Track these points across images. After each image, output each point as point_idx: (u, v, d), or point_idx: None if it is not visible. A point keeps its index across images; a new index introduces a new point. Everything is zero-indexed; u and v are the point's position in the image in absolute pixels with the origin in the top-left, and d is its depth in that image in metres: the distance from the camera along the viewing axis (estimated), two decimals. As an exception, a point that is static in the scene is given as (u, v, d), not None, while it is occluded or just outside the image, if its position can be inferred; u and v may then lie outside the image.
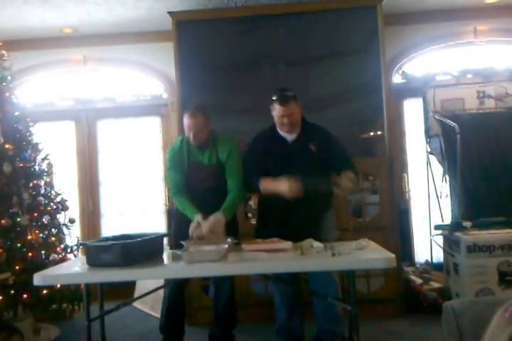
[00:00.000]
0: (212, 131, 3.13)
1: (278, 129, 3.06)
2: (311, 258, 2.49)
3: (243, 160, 3.12)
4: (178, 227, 3.11)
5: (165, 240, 3.10)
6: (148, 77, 4.92)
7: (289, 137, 3.05)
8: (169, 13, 4.15)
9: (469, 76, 4.60)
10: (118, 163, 4.99)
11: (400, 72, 4.69)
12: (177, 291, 3.19)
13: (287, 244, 2.67)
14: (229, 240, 2.73)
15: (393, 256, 2.39)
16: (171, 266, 2.53)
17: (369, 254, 2.54)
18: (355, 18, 4.11)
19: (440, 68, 4.67)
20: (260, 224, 3.17)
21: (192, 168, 3.09)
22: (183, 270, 2.47)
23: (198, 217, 2.90)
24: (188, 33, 4.18)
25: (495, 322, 0.81)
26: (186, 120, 3.02)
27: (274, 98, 2.98)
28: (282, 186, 2.83)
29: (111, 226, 4.90)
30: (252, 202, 4.18)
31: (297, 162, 2.98)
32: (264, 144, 3.07)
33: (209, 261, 2.45)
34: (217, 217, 2.89)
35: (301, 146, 3.02)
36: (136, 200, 4.91)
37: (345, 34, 4.15)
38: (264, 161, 3.02)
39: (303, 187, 2.81)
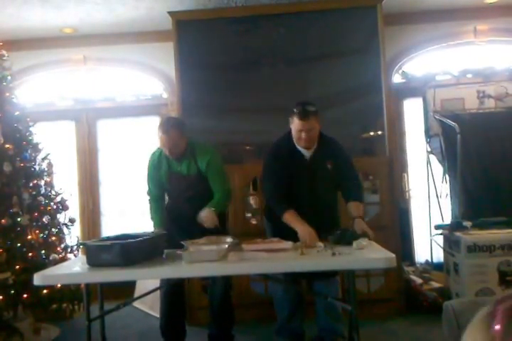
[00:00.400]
0: (190, 142, 3.11)
1: (295, 143, 2.99)
2: (311, 258, 2.49)
3: (263, 173, 3.08)
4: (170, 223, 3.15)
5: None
6: (148, 77, 4.92)
7: (306, 153, 3.01)
8: (169, 13, 4.15)
9: (469, 76, 4.60)
10: (118, 163, 4.99)
11: (400, 71, 4.69)
12: (173, 291, 3.19)
13: (287, 244, 2.67)
14: (229, 240, 2.74)
15: (393, 255, 2.39)
16: (171, 265, 2.53)
17: (369, 254, 2.54)
18: (355, 17, 4.11)
19: (440, 68, 4.67)
20: (273, 225, 3.14)
21: (172, 178, 3.13)
22: (183, 270, 2.47)
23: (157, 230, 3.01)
24: (188, 33, 4.18)
25: (480, 336, 0.69)
26: (161, 137, 3.01)
27: (294, 111, 2.89)
28: (302, 233, 2.75)
29: (111, 226, 4.90)
30: (253, 202, 4.19)
31: (314, 180, 2.98)
32: (284, 158, 2.99)
33: (209, 260, 2.45)
34: (206, 210, 2.96)
35: (318, 164, 3.00)
36: (136, 200, 4.91)
37: (345, 34, 4.15)
38: (285, 175, 2.97)
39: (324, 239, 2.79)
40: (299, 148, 2.99)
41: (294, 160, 2.98)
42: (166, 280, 3.03)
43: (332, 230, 2.85)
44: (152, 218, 3.18)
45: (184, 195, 3.12)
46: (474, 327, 0.71)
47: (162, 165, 3.13)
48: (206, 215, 2.96)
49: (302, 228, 2.76)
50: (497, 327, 0.67)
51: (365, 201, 3.23)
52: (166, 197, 3.32)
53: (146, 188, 3.23)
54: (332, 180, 3.02)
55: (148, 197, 3.23)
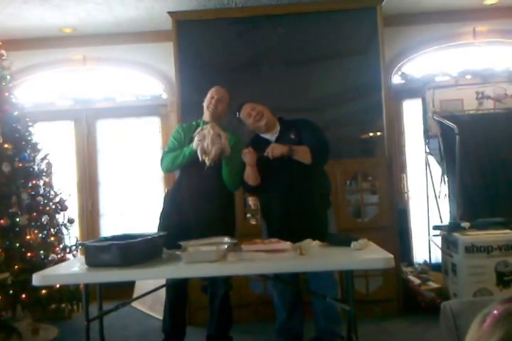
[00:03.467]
0: (224, 122, 3.19)
1: (259, 134, 3.11)
2: (310, 258, 2.50)
3: None
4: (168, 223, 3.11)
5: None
6: (148, 77, 4.91)
7: (271, 137, 3.09)
8: (169, 13, 4.15)
9: (468, 77, 4.60)
10: (117, 163, 4.99)
11: (400, 72, 4.69)
12: (178, 292, 3.19)
13: (286, 245, 2.67)
14: (227, 240, 2.74)
15: (392, 256, 2.40)
16: (170, 266, 2.53)
17: (368, 254, 2.54)
18: (355, 19, 4.12)
19: (439, 69, 4.68)
20: (267, 225, 3.16)
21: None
22: (182, 270, 2.48)
23: (195, 143, 2.94)
24: (188, 33, 4.18)
25: (474, 334, 0.81)
26: (212, 89, 3.14)
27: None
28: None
29: (110, 227, 4.90)
30: (252, 203, 4.19)
31: (286, 161, 2.94)
32: (254, 149, 3.01)
33: (208, 261, 2.45)
34: (221, 134, 2.95)
35: (282, 140, 3.03)
36: (136, 200, 4.91)
37: (345, 35, 4.16)
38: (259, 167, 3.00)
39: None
40: (263, 135, 3.09)
41: (261, 145, 3.01)
42: (173, 281, 3.02)
43: (317, 216, 2.94)
44: (179, 155, 3.05)
45: (202, 171, 2.98)
46: (473, 324, 0.81)
47: (190, 132, 3.09)
48: (215, 138, 2.91)
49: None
50: (485, 325, 0.78)
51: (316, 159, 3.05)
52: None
53: (164, 152, 3.14)
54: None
55: (165, 153, 3.13)
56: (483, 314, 0.82)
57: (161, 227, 3.10)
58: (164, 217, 3.16)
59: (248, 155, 2.93)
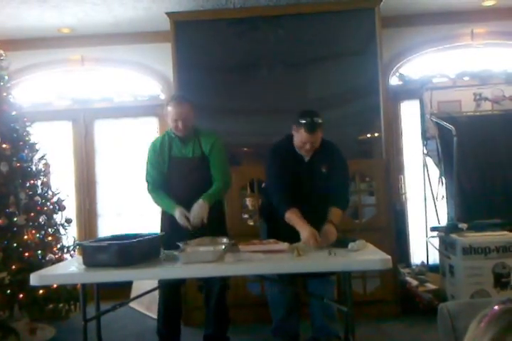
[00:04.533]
0: (195, 125, 3.14)
1: (296, 148, 3.02)
2: (308, 259, 2.50)
3: (267, 172, 3.08)
4: (169, 226, 3.10)
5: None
6: (146, 78, 4.92)
7: (305, 156, 3.04)
8: (167, 13, 4.15)
9: (466, 78, 4.61)
10: (115, 163, 4.99)
11: (397, 74, 4.70)
12: (172, 292, 3.18)
13: (284, 245, 2.68)
14: (225, 241, 2.74)
15: (389, 257, 2.40)
16: (168, 266, 2.54)
17: (365, 255, 2.55)
18: (353, 20, 4.13)
19: (437, 70, 4.69)
20: (270, 226, 3.15)
21: (174, 163, 3.09)
22: (179, 271, 2.48)
23: (178, 210, 2.93)
24: (186, 34, 4.18)
25: (471, 334, 0.84)
26: (173, 109, 3.02)
27: (301, 121, 2.88)
28: (305, 234, 2.71)
29: (108, 227, 4.90)
30: (249, 204, 4.19)
31: (311, 182, 2.99)
32: (285, 159, 3.00)
33: (206, 261, 2.45)
34: (199, 203, 2.92)
35: (315, 167, 3.01)
36: (133, 200, 4.91)
37: (344, 36, 4.17)
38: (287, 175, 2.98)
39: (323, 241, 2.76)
40: (299, 151, 3.03)
41: (293, 162, 3.01)
42: (166, 281, 3.02)
43: None
44: (162, 203, 3.07)
45: (186, 179, 3.04)
46: (471, 324, 0.85)
47: (164, 150, 3.09)
48: (196, 210, 2.91)
49: (305, 228, 2.72)
50: (482, 324, 0.81)
51: (346, 211, 3.19)
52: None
53: (146, 176, 3.14)
54: (325, 182, 3.01)
55: (148, 187, 3.13)
56: (481, 315, 0.84)
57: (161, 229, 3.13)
58: (162, 221, 3.19)
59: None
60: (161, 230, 3.09)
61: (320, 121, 2.90)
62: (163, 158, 3.09)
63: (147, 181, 3.14)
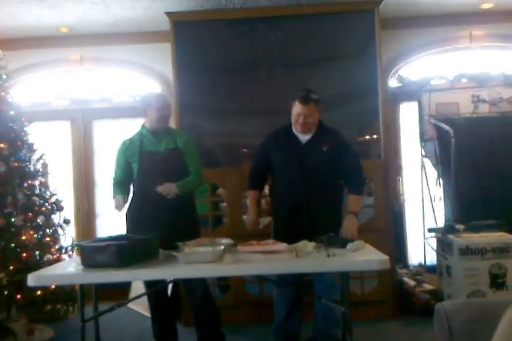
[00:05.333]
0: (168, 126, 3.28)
1: (293, 128, 3.09)
2: (306, 259, 2.51)
3: (253, 155, 3.29)
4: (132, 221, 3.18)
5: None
6: (145, 78, 4.91)
7: (303, 138, 3.09)
8: (167, 13, 4.15)
9: (464, 80, 4.63)
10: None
11: (396, 76, 4.71)
12: (158, 295, 3.20)
13: (282, 246, 2.68)
14: (225, 241, 2.75)
15: (387, 257, 2.41)
16: (167, 266, 2.54)
17: (363, 256, 2.55)
18: (353, 21, 4.13)
19: (435, 72, 4.70)
20: (276, 225, 3.20)
21: (144, 157, 3.13)
22: (178, 271, 2.48)
23: (118, 198, 3.10)
24: (186, 34, 4.18)
25: (503, 333, 0.86)
26: (152, 106, 3.12)
27: (297, 94, 3.02)
28: (248, 220, 3.20)
29: (106, 227, 4.88)
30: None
31: (308, 162, 3.03)
32: (277, 141, 3.12)
33: (205, 262, 2.45)
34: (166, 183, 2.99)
35: (313, 147, 3.06)
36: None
37: (343, 37, 4.17)
38: (274, 158, 3.10)
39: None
40: (296, 133, 3.08)
41: (287, 141, 3.08)
42: (147, 284, 3.07)
43: (328, 221, 2.99)
44: (113, 190, 3.20)
45: (155, 171, 3.07)
46: (503, 319, 0.92)
47: (134, 145, 3.16)
48: (165, 186, 2.97)
49: (251, 215, 3.19)
50: None
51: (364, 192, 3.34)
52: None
53: (112, 174, 3.25)
54: (327, 161, 3.05)
55: (112, 184, 3.23)
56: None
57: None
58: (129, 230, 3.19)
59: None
60: (126, 227, 3.17)
61: (315, 96, 3.02)
62: (132, 152, 3.16)
63: (112, 179, 3.25)
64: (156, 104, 3.11)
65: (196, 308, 3.20)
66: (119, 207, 3.11)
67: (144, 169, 3.13)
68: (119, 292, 3.90)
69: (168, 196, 2.95)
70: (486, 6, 4.44)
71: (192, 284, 3.15)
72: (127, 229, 3.19)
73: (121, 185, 3.19)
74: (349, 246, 2.63)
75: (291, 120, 3.06)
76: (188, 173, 3.12)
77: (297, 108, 3.00)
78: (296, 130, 3.07)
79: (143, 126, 3.22)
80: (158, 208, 3.03)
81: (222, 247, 2.61)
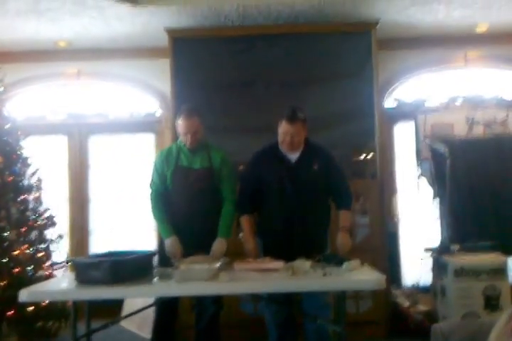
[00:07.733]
0: (205, 138, 3.19)
1: (280, 147, 3.07)
2: (302, 278, 2.49)
3: (240, 176, 3.20)
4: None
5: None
6: (143, 94, 4.92)
7: (292, 156, 3.06)
8: (166, 29, 4.18)
9: (459, 102, 4.68)
10: (109, 179, 4.94)
11: (392, 96, 4.76)
12: (168, 312, 3.14)
13: (278, 264, 2.66)
14: (220, 259, 2.73)
15: (383, 277, 2.40)
16: (161, 284, 2.51)
17: (359, 275, 2.55)
18: (350, 41, 4.19)
19: (430, 93, 4.76)
20: (266, 244, 3.15)
21: (178, 172, 3.08)
22: (172, 288, 2.45)
23: (172, 238, 2.98)
24: (184, 51, 4.21)
25: (499, 332, 0.90)
26: (182, 122, 3.05)
27: (284, 114, 3.00)
28: (247, 246, 3.03)
29: (100, 243, 4.83)
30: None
31: (299, 181, 3.00)
32: (266, 160, 3.08)
33: (200, 279, 2.43)
34: (217, 245, 2.99)
35: (303, 166, 3.04)
36: (126, 217, 4.86)
37: (340, 57, 4.22)
38: (264, 177, 3.05)
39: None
40: (284, 152, 3.06)
41: (276, 162, 3.04)
42: (162, 301, 2.99)
43: (318, 239, 2.99)
44: (158, 222, 3.10)
45: (188, 189, 3.04)
46: (500, 319, 0.96)
47: (170, 159, 3.10)
48: (217, 249, 2.97)
49: (250, 241, 3.03)
50: (510, 324, 0.94)
51: (352, 208, 3.29)
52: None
53: (151, 183, 3.15)
54: (320, 182, 3.04)
55: (151, 194, 3.14)
56: (505, 317, 0.98)
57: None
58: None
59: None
60: (159, 245, 3.08)
61: (301, 115, 3.00)
62: (168, 165, 3.10)
63: (151, 188, 3.16)
64: (181, 126, 3.06)
65: (200, 329, 3.14)
66: (173, 253, 2.98)
67: (177, 186, 3.09)
68: (111, 309, 3.84)
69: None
70: (481, 29, 4.52)
71: (205, 302, 3.10)
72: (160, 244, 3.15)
73: (160, 198, 3.10)
74: (345, 265, 2.62)
75: (278, 139, 3.03)
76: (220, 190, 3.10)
77: (284, 127, 2.97)
78: (283, 149, 3.05)
79: (179, 141, 3.17)
80: (189, 218, 3.03)
81: (218, 265, 2.59)
